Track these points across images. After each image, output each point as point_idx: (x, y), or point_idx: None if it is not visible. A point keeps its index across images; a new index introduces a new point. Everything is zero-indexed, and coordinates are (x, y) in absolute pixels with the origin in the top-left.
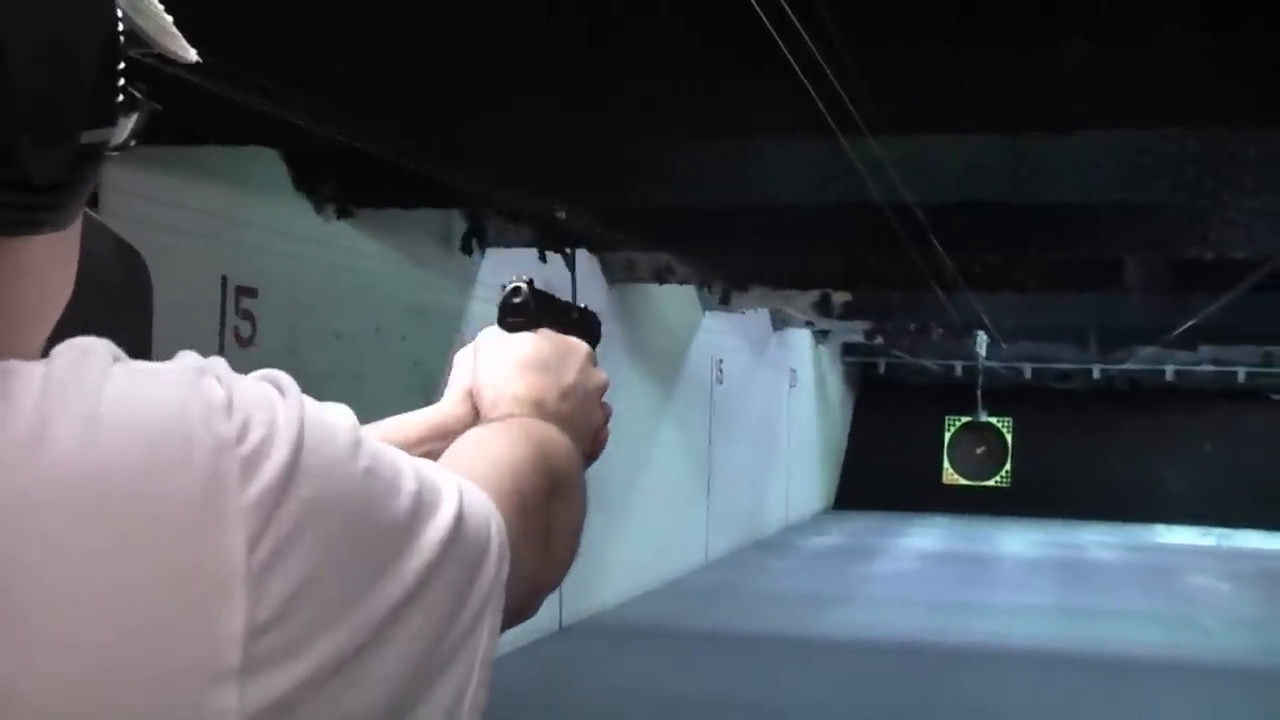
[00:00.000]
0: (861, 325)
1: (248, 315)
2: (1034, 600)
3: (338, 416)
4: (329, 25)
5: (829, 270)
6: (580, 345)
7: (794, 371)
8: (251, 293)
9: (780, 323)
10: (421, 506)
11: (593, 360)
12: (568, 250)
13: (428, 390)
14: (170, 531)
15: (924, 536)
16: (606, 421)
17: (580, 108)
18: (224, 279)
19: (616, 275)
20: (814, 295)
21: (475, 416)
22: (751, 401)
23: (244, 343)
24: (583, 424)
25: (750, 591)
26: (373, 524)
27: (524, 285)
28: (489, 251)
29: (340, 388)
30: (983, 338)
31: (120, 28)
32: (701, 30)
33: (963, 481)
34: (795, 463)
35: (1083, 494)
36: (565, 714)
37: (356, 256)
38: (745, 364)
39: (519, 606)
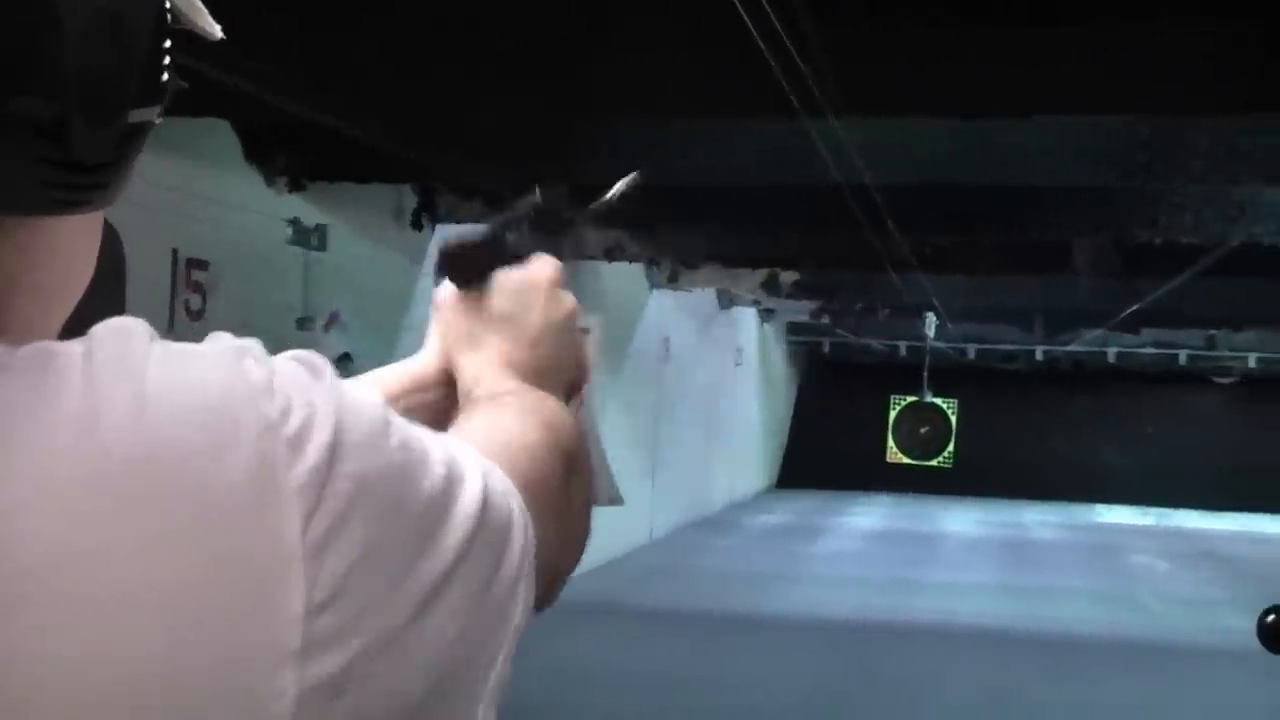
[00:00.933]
0: (808, 304)
1: (198, 288)
2: (977, 579)
3: (366, 395)
4: None
5: (780, 250)
6: (535, 275)
7: (739, 350)
8: (202, 265)
9: (726, 301)
10: (452, 482)
11: (555, 281)
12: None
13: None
14: (224, 515)
15: (867, 515)
16: (583, 352)
17: (535, 84)
18: (174, 251)
19: (565, 252)
20: (762, 274)
21: (449, 373)
22: (697, 380)
23: (194, 316)
24: (562, 362)
25: (695, 570)
26: (412, 499)
27: (443, 249)
28: (439, 227)
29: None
30: (931, 319)
31: (167, 3)
32: (662, 7)
33: (906, 461)
34: (740, 441)
35: (1025, 474)
36: (507, 692)
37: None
38: (691, 342)
39: (543, 593)
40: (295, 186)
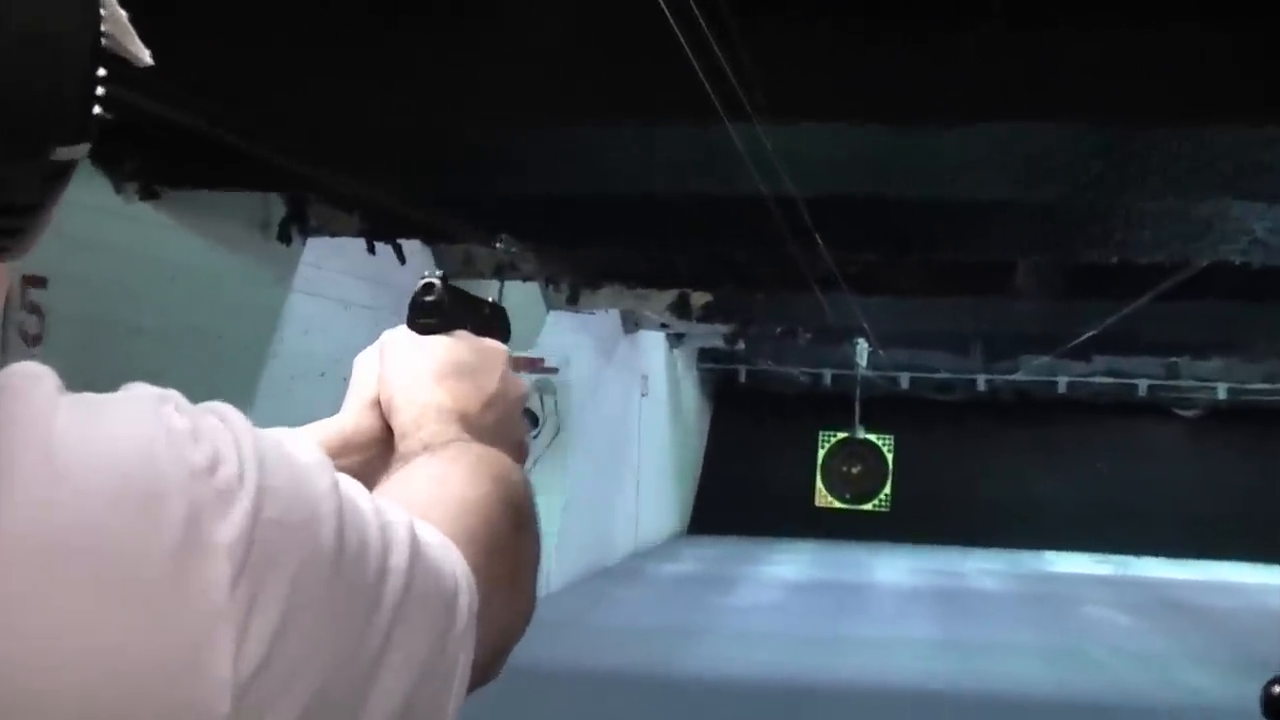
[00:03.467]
0: (722, 328)
1: (35, 309)
2: (911, 633)
3: (297, 445)
4: None
5: (689, 267)
6: (498, 347)
7: (645, 379)
8: (40, 283)
9: (632, 324)
10: (388, 541)
11: (510, 364)
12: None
13: (240, 398)
14: (148, 578)
15: (790, 564)
16: (526, 434)
17: (416, 85)
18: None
19: (452, 269)
20: (671, 295)
21: (385, 430)
22: (599, 412)
23: (31, 341)
24: (507, 436)
25: (595, 625)
26: (345, 556)
27: (437, 281)
28: (310, 242)
29: None
30: (863, 346)
31: (103, 25)
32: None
33: (838, 505)
34: (646, 480)
35: (965, 517)
36: None
37: (162, 244)
38: (592, 369)
39: (489, 660)
40: (148, 194)
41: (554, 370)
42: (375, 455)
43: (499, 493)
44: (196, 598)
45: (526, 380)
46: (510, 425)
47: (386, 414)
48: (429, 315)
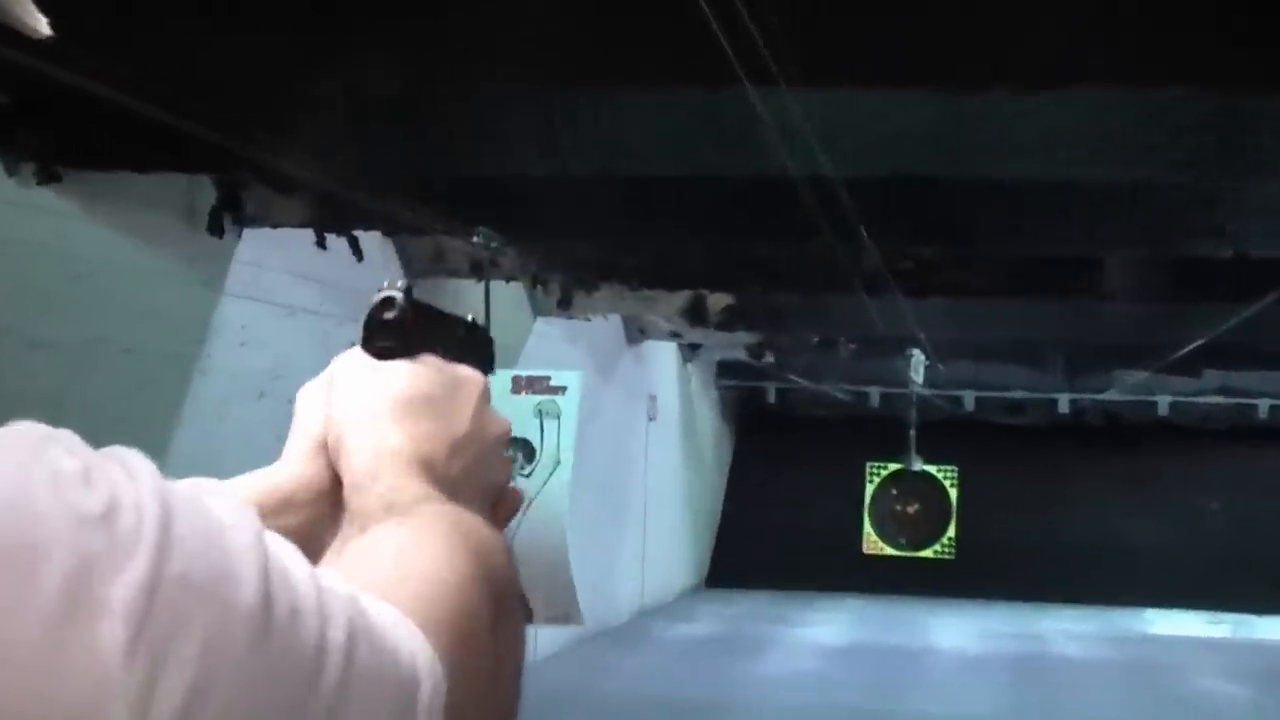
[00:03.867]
0: (746, 337)
1: None
2: (978, 710)
3: (210, 496)
4: None
5: (705, 263)
6: (473, 377)
7: (653, 399)
8: None
9: (636, 333)
10: (325, 611)
11: (487, 397)
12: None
13: (162, 424)
14: (23, 639)
15: (831, 624)
16: (509, 481)
17: (376, 40)
18: None
19: (420, 267)
20: (684, 297)
21: (335, 481)
22: (596, 440)
23: None
24: (481, 487)
25: (595, 698)
26: (273, 624)
27: (399, 295)
28: (247, 234)
29: (33, 419)
30: (919, 358)
31: None
32: None
33: (890, 551)
34: (655, 523)
35: (1045, 567)
36: None
37: (66, 237)
38: (589, 388)
39: None
40: (48, 177)
41: (561, 390)
42: (323, 514)
43: (477, 571)
44: (83, 663)
45: (529, 404)
46: (482, 475)
47: (334, 461)
48: (388, 336)
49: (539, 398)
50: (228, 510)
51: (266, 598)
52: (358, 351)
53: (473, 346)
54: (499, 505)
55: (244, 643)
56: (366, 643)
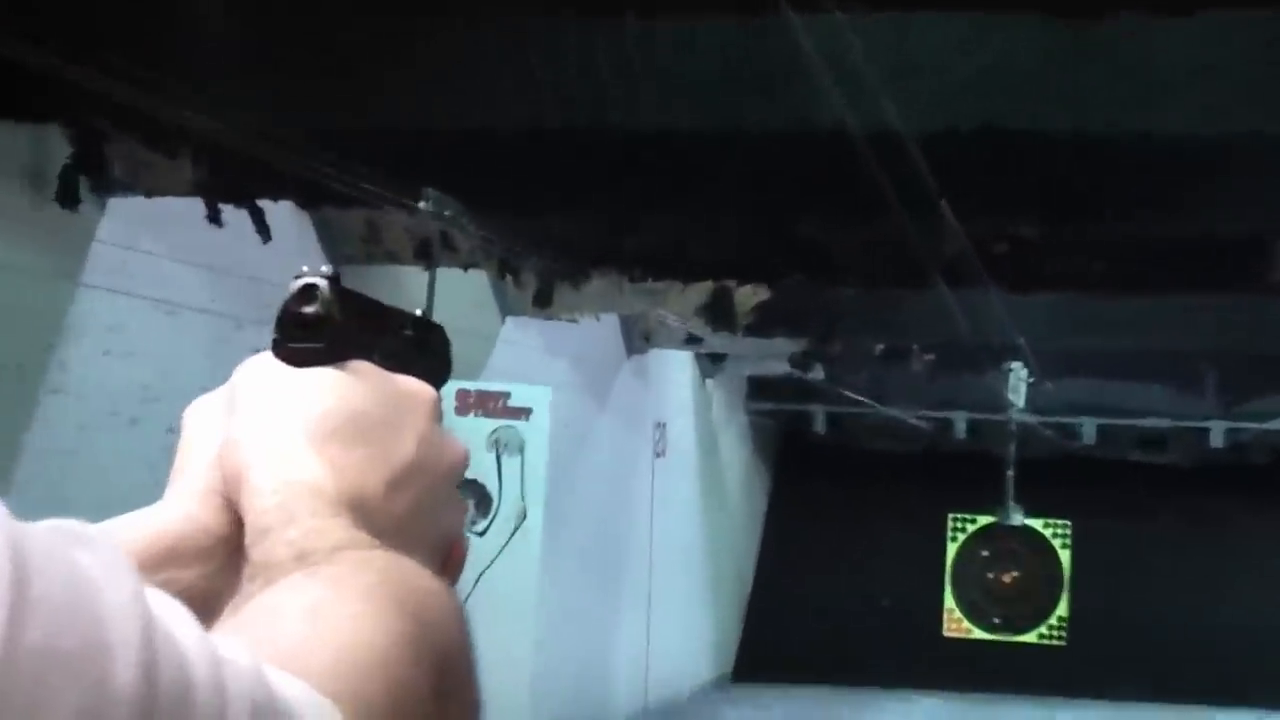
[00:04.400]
0: (787, 345)
1: None
2: None
3: (78, 545)
4: None
5: (731, 246)
6: (420, 391)
7: (661, 428)
8: None
9: (639, 341)
10: (222, 687)
11: (439, 416)
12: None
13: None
14: None
15: None
16: (462, 529)
17: None
18: None
19: (347, 248)
20: (704, 291)
21: (234, 527)
22: (585, 481)
23: None
24: (428, 534)
25: None
26: (157, 704)
27: (322, 282)
28: (114, 205)
29: None
30: (1020, 374)
31: None
32: None
33: (980, 635)
34: (663, 595)
35: (1192, 656)
36: None
37: None
38: (576, 413)
39: None
40: None
41: (523, 413)
42: (219, 566)
43: (413, 634)
44: None
45: (480, 431)
46: (433, 517)
47: (235, 500)
48: (308, 337)
49: (494, 423)
50: (99, 564)
51: (149, 672)
52: (267, 357)
53: (421, 350)
54: (450, 556)
55: None
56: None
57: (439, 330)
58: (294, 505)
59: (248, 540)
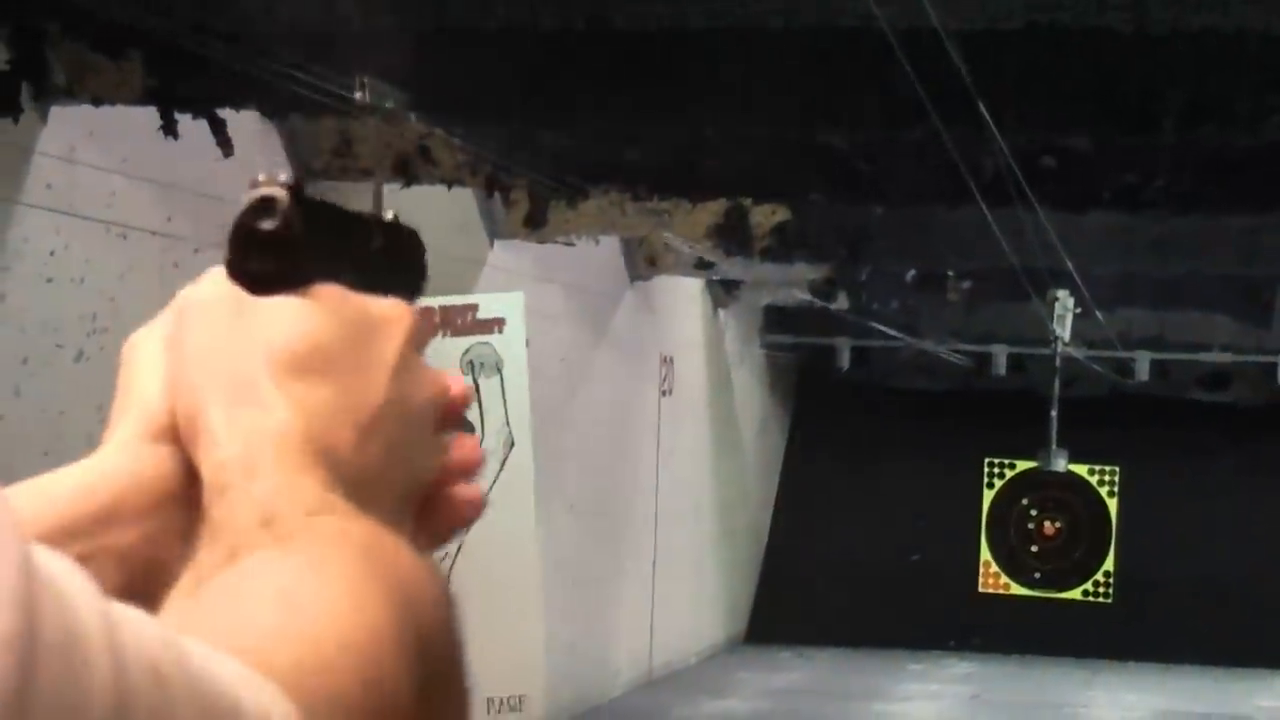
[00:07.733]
0: (807, 271)
1: None
2: None
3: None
4: None
5: (748, 159)
6: (394, 315)
7: (668, 363)
8: None
9: (644, 266)
10: (198, 695)
11: (420, 343)
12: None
13: None
14: None
15: (934, 699)
16: (463, 469)
17: None
18: None
19: (311, 162)
20: (715, 210)
21: (185, 476)
22: (583, 424)
23: None
24: (402, 485)
25: None
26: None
27: (282, 193)
28: (56, 113)
29: None
30: (1067, 303)
31: None
32: None
33: (1018, 591)
34: (669, 550)
35: (1249, 617)
36: None
37: None
38: (573, 347)
39: None
40: None
41: (495, 325)
42: (168, 528)
43: (396, 624)
44: None
45: (451, 351)
46: (407, 463)
47: (188, 446)
48: (266, 257)
49: (465, 342)
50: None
51: (27, 672)
52: (219, 278)
53: (394, 264)
54: (434, 513)
55: None
56: None
57: (413, 235)
58: (257, 456)
59: (205, 497)
